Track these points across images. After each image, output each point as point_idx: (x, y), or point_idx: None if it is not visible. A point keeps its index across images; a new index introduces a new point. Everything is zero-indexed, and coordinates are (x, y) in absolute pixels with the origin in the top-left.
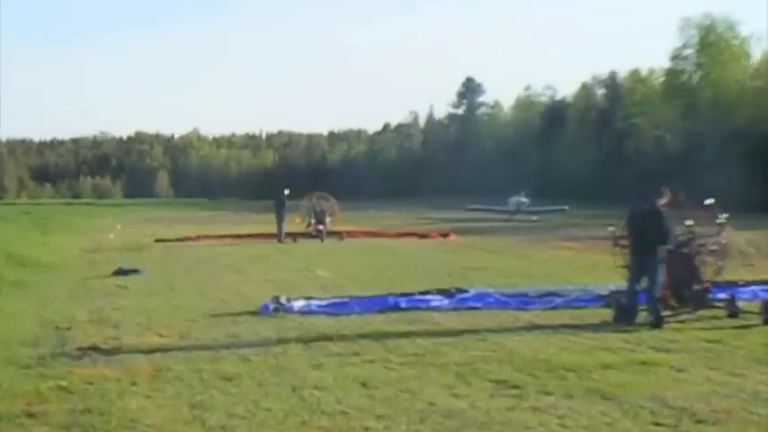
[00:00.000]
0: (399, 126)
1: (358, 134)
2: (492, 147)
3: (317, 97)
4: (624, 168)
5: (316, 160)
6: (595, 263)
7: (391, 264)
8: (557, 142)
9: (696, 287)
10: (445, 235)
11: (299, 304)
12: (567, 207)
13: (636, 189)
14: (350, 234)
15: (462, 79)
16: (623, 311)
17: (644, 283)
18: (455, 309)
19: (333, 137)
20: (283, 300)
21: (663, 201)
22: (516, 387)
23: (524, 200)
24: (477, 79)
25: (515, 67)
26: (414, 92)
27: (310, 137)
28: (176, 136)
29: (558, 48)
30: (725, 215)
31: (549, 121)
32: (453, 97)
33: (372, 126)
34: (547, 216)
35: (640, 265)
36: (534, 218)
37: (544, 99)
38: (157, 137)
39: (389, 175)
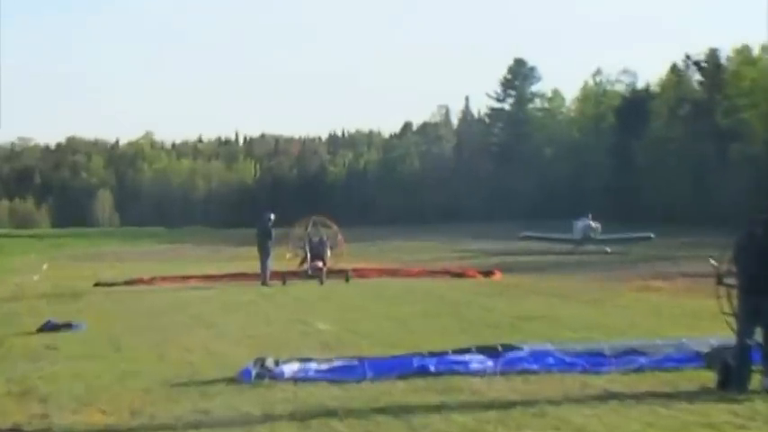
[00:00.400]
0: (425, 126)
1: (369, 138)
2: (550, 153)
3: (313, 89)
4: (729, 181)
5: (312, 173)
6: (692, 309)
7: (416, 312)
8: (638, 146)
9: None
10: (489, 273)
11: (291, 368)
12: (652, 234)
13: (747, 209)
14: (359, 273)
15: (509, 62)
16: (730, 374)
17: (758, 336)
18: (503, 373)
19: (335, 142)
20: (270, 363)
21: None
22: None
23: (594, 225)
24: (530, 61)
25: (579, 44)
26: (443, 80)
27: (305, 142)
28: (122, 142)
29: (636, 16)
30: None
31: (628, 118)
32: (496, 86)
33: (388, 127)
34: (625, 246)
35: (754, 311)
36: (608, 249)
37: (620, 88)
38: (96, 144)
39: (412, 193)
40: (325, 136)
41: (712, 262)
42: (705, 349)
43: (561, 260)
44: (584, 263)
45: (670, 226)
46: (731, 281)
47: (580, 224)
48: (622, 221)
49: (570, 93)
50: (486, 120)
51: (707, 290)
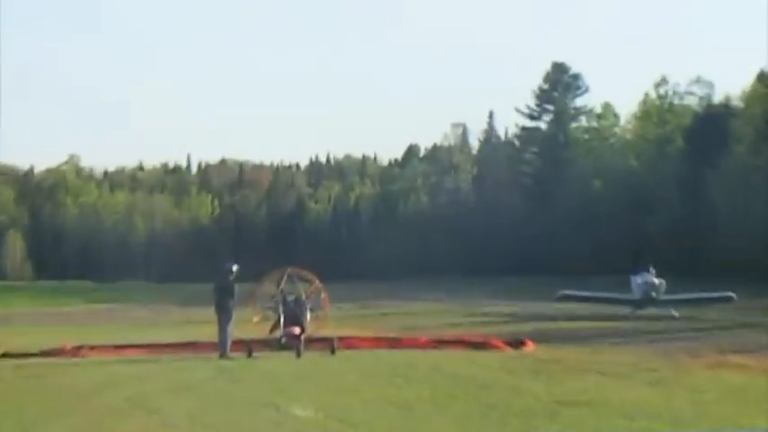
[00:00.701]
0: (435, 151)
1: (362, 165)
2: (600, 187)
3: (290, 101)
4: None
5: (287, 211)
6: None
7: (423, 396)
8: (714, 177)
9: None
10: (519, 344)
11: None
12: (733, 294)
13: None
14: (349, 343)
15: (546, 67)
16: None
17: None
18: None
19: (317, 170)
20: None
21: None
22: None
23: (657, 281)
24: (573, 66)
25: (637, 44)
26: (459, 91)
27: (278, 170)
28: (38, 170)
29: (713, 9)
30: None
31: (701, 141)
32: (529, 99)
33: (388, 152)
34: (699, 309)
35: None
36: (676, 313)
37: (692, 102)
38: (5, 172)
39: (418, 238)
40: (304, 162)
41: None
42: None
43: (613, 327)
44: (642, 331)
45: (756, 283)
46: None
47: (639, 280)
48: (694, 276)
49: (626, 108)
50: (516, 143)
51: None
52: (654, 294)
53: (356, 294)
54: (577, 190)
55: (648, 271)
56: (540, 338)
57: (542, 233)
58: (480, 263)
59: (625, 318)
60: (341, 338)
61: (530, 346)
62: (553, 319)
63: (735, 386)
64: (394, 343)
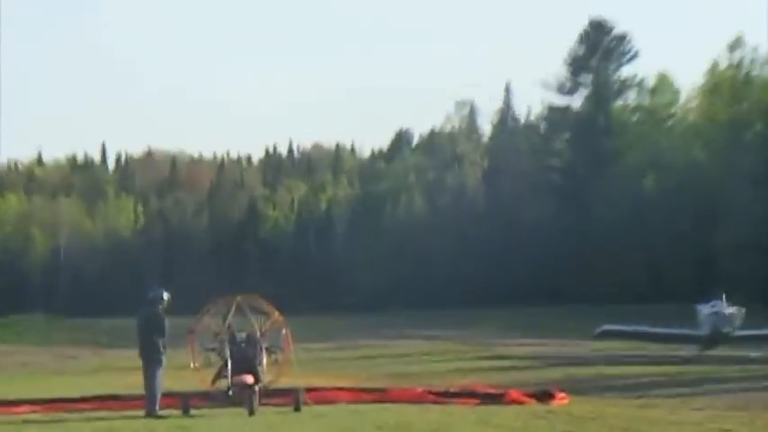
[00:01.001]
0: (433, 137)
1: (336, 158)
2: (654, 185)
3: (241, 74)
4: None
5: (236, 219)
6: None
7: None
8: None
9: None
10: (547, 396)
11: None
12: None
13: None
14: (319, 396)
15: (582, 26)
16: None
17: None
18: None
19: (276, 165)
20: None
21: None
22: None
23: (732, 312)
24: (618, 25)
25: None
26: (465, 59)
27: (223, 166)
28: None
29: None
30: None
31: None
32: (560, 69)
33: (370, 140)
34: None
35: None
36: (755, 354)
37: None
38: None
39: (410, 254)
40: (258, 155)
41: None
42: None
43: (671, 373)
44: (712, 379)
45: None
46: None
47: (707, 311)
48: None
49: (689, 80)
50: (541, 127)
51: None
52: (726, 329)
53: (329, 331)
54: (624, 191)
55: (720, 299)
56: (575, 388)
57: (577, 249)
58: (494, 288)
59: (688, 361)
60: (309, 390)
61: (561, 399)
62: (591, 363)
63: None
64: (380, 396)
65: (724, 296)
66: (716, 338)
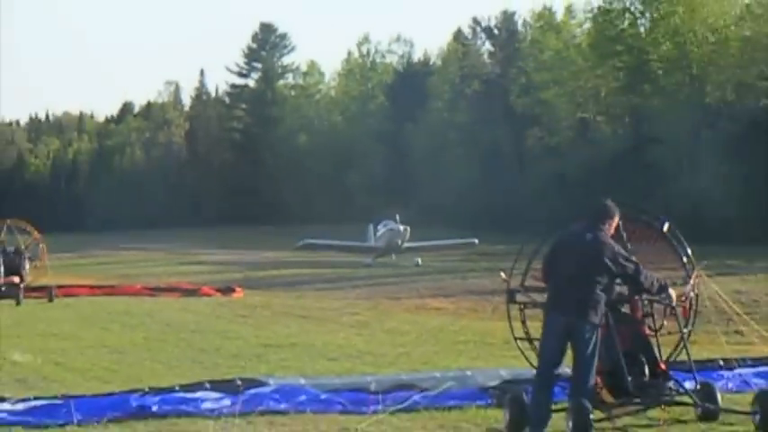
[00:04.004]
0: (150, 107)
1: (80, 122)
2: (306, 142)
3: (6, 58)
4: (526, 176)
5: (7, 167)
6: (479, 333)
7: (136, 340)
8: (413, 132)
9: (647, 371)
10: (228, 290)
11: None
12: (476, 240)
13: (548, 209)
14: (66, 291)
15: (254, 28)
16: (524, 414)
17: (564, 366)
18: (242, 413)
19: (37, 127)
20: None
21: (610, 226)
22: None
23: (402, 228)
24: (280, 27)
25: (341, 3)
26: (172, 49)
27: None
28: None
29: None
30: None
31: (402, 98)
32: (238, 58)
33: (105, 109)
34: (443, 254)
35: (564, 334)
36: (420, 260)
37: (393, 60)
38: None
39: (135, 190)
40: (24, 120)
41: (502, 275)
42: (493, 383)
43: (320, 274)
44: (347, 277)
45: (454, 229)
46: (525, 297)
47: (383, 228)
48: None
49: (331, 66)
50: (226, 100)
51: (498, 310)
52: (398, 242)
53: (75, 245)
54: (285, 146)
55: (394, 219)
56: (250, 285)
57: (254, 184)
58: (195, 213)
59: (368, 266)
60: (59, 287)
61: (239, 293)
62: (263, 268)
63: (431, 328)
64: (110, 290)
65: (397, 216)
66: (390, 249)
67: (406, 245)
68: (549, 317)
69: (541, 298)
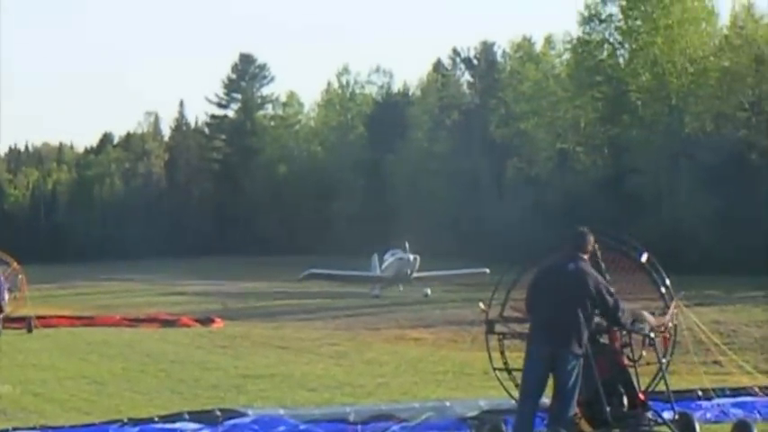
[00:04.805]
0: (129, 138)
1: (59, 153)
2: (285, 172)
3: None
4: (505, 205)
5: None
6: (458, 364)
7: (115, 371)
8: (393, 163)
9: (625, 401)
10: (207, 321)
11: None
12: (487, 270)
13: (527, 239)
14: (45, 322)
15: (234, 58)
16: None
17: (545, 397)
18: None
19: (15, 157)
20: None
21: (588, 254)
22: None
23: (412, 257)
24: (259, 57)
25: (319, 34)
26: (151, 80)
27: None
28: None
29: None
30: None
31: (381, 128)
32: (218, 89)
33: (84, 140)
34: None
35: (547, 364)
36: (429, 291)
37: (372, 90)
38: None
39: (114, 221)
40: (3, 150)
41: (481, 306)
42: (472, 413)
43: (301, 305)
44: (327, 308)
45: (432, 261)
46: (504, 328)
47: (391, 258)
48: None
49: (311, 97)
50: (206, 130)
51: (477, 340)
52: (408, 271)
53: (54, 276)
54: (265, 175)
55: (403, 248)
56: (230, 316)
57: (233, 216)
58: (174, 244)
59: (376, 296)
60: (39, 317)
61: (218, 323)
62: (243, 298)
63: (410, 359)
64: (89, 321)
65: (407, 244)
66: (398, 279)
67: (415, 275)
68: (533, 347)
69: (521, 328)
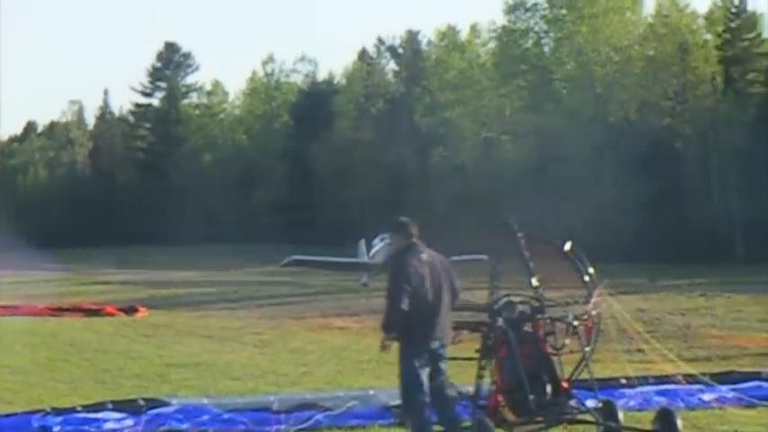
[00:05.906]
0: (53, 127)
1: None
2: (210, 161)
3: None
4: (431, 194)
5: None
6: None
7: (38, 360)
8: (318, 151)
9: (549, 389)
10: (132, 310)
11: None
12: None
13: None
14: None
15: (159, 47)
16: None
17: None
18: None
19: None
20: None
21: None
22: None
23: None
24: (184, 46)
25: (244, 23)
26: (75, 69)
27: None
28: None
29: None
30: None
31: (306, 117)
32: (143, 77)
33: (8, 128)
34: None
35: (431, 358)
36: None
37: (297, 79)
38: None
39: (37, 210)
40: None
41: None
42: (396, 402)
43: (223, 293)
44: (251, 297)
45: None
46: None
47: (380, 243)
48: (296, 245)
49: (235, 86)
50: (131, 119)
51: None
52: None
53: None
54: (189, 164)
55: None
56: (154, 305)
57: (158, 205)
58: (99, 233)
59: (365, 285)
60: None
61: (142, 312)
62: (168, 286)
63: (334, 347)
64: (12, 310)
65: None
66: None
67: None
68: (418, 344)
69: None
